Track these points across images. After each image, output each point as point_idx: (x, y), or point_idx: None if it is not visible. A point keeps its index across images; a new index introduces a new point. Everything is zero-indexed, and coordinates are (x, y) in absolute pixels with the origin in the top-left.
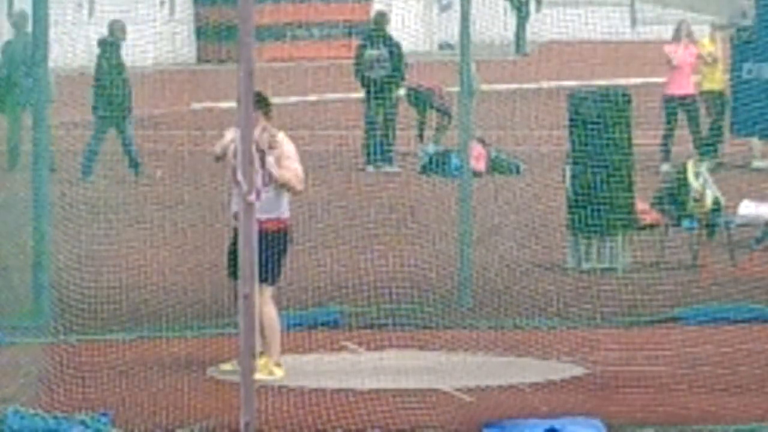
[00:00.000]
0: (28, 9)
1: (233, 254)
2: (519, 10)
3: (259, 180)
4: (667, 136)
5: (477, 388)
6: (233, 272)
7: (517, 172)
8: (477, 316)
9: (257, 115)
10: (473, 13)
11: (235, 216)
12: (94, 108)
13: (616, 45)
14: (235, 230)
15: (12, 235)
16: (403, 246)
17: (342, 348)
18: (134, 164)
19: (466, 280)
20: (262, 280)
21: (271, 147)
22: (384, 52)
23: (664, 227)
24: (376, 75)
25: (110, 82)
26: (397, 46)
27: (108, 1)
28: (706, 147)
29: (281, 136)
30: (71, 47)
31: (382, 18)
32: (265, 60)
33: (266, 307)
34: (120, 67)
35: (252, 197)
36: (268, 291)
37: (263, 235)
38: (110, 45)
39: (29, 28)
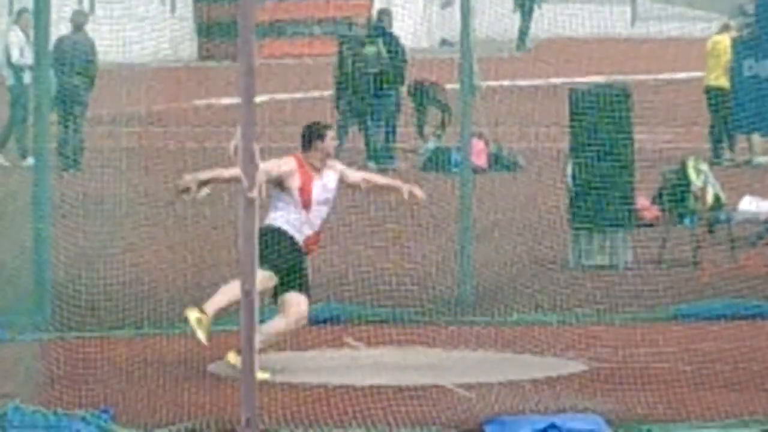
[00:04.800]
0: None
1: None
2: (521, 6)
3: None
4: None
5: (477, 385)
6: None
7: (518, 168)
8: (478, 313)
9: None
10: (474, 9)
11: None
12: (337, 102)
13: (617, 41)
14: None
15: (12, 232)
16: (404, 242)
17: (343, 344)
18: (375, 156)
19: (467, 277)
20: None
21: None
22: (383, 49)
23: (665, 224)
24: (375, 72)
25: (351, 76)
26: (398, 43)
27: None
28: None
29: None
30: None
31: (383, 15)
32: (265, 57)
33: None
34: (360, 60)
35: (253, 193)
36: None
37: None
38: (351, 40)
39: (86, 26)
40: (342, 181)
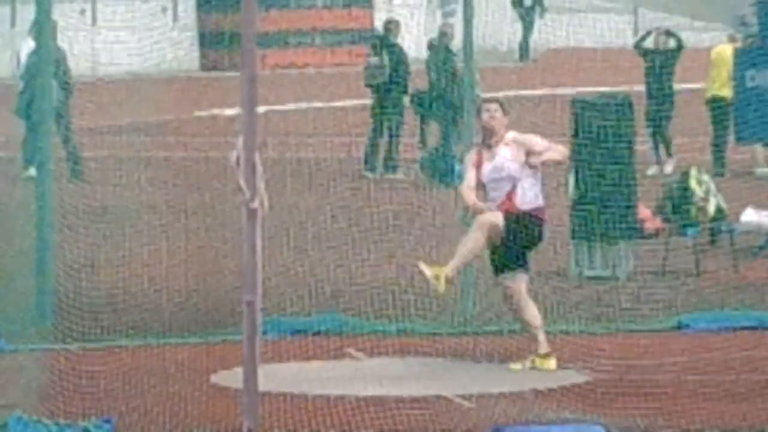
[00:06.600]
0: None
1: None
2: (524, 17)
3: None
4: None
5: (479, 395)
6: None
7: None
8: (479, 323)
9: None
10: (476, 20)
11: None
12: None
13: (620, 52)
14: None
15: (15, 241)
16: (405, 252)
17: (344, 355)
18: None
19: (469, 287)
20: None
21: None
22: (385, 59)
23: (667, 234)
24: (377, 82)
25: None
26: (402, 53)
27: (111, 8)
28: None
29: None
30: (73, 54)
31: (391, 26)
32: (268, 67)
33: (522, 298)
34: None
35: (255, 204)
36: (523, 280)
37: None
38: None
39: (55, 38)
40: (529, 153)
